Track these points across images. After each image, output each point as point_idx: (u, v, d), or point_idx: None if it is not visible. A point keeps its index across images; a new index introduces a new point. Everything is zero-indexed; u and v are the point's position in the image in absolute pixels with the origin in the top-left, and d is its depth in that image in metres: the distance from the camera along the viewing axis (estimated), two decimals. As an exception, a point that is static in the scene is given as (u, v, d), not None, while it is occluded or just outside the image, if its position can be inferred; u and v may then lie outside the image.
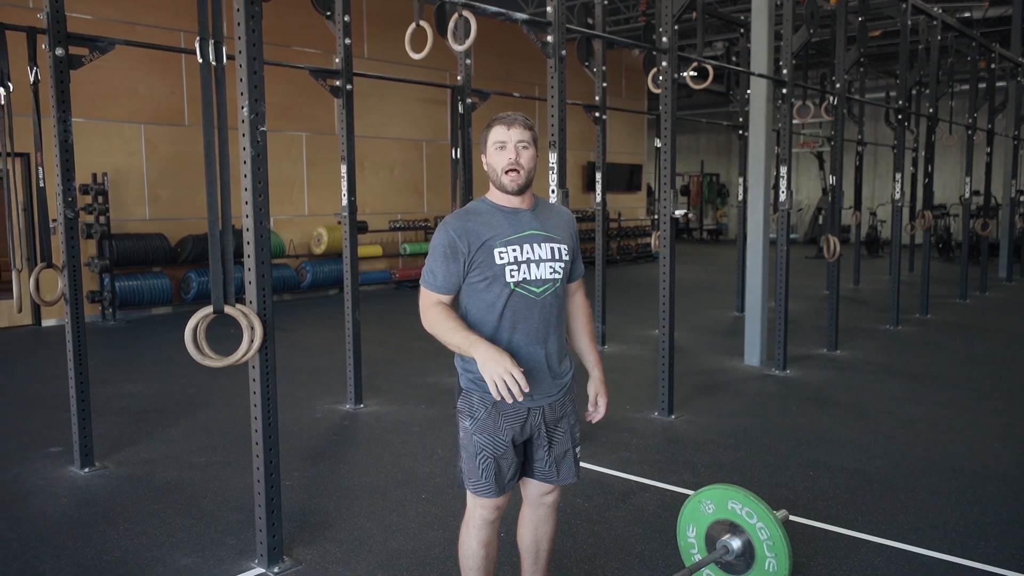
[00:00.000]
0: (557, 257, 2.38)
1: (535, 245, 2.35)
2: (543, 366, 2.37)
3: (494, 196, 2.40)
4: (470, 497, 2.46)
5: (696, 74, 7.76)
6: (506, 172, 2.31)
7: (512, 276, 2.31)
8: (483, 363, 2.14)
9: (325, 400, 5.74)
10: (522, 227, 2.35)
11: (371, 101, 11.66)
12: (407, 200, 12.68)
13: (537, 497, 2.54)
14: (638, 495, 3.94)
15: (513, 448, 2.39)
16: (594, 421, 2.55)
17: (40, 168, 4.27)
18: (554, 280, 2.37)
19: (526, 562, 2.64)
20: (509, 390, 2.11)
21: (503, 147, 2.32)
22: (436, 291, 2.35)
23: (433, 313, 2.31)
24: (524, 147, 2.33)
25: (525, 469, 2.49)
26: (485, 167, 2.38)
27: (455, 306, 2.40)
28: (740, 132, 9.81)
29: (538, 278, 2.34)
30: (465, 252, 2.30)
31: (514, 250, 2.32)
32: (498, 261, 2.30)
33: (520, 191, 2.34)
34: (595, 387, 2.55)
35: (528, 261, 2.33)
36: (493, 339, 2.34)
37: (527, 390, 2.13)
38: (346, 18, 5.25)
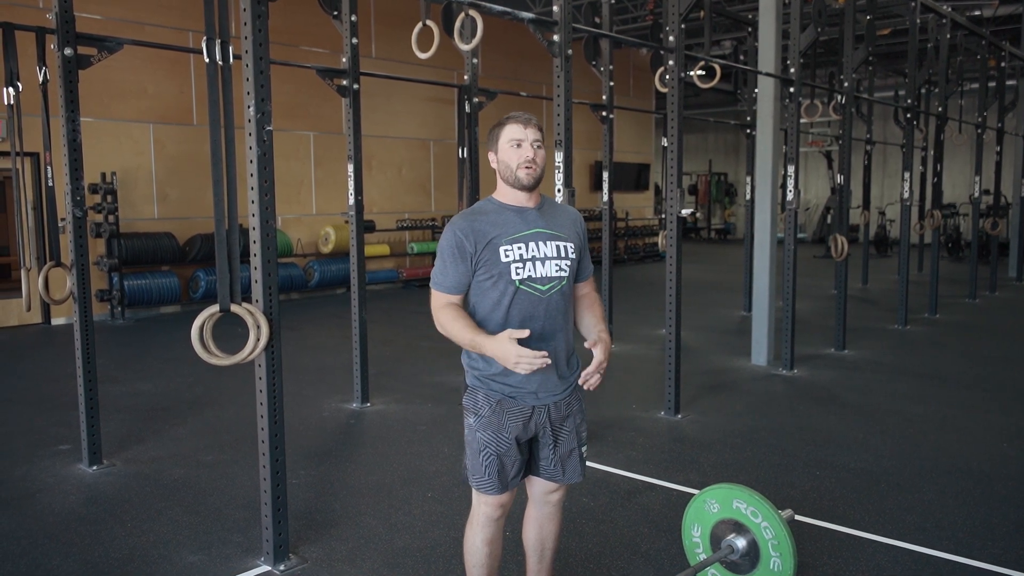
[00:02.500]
0: (563, 255, 2.38)
1: (541, 243, 2.35)
2: (549, 364, 2.37)
3: (501, 195, 2.41)
4: (475, 494, 2.47)
5: (703, 73, 7.74)
6: (521, 167, 2.33)
7: (517, 274, 2.32)
8: (498, 357, 2.21)
9: (332, 399, 5.75)
10: (528, 225, 2.36)
11: (378, 100, 11.68)
12: (414, 199, 12.70)
13: (542, 496, 2.54)
14: (644, 494, 3.94)
15: (517, 446, 2.39)
16: (590, 383, 2.32)
17: (49, 167, 4.30)
18: (560, 278, 2.37)
19: (531, 560, 2.64)
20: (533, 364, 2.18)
21: (519, 144, 2.34)
22: (446, 291, 2.37)
23: (444, 315, 2.33)
24: (539, 147, 2.36)
25: (531, 467, 2.50)
26: (493, 164, 2.38)
27: (464, 305, 2.41)
28: (748, 131, 9.79)
29: (544, 276, 2.35)
30: (472, 251, 2.32)
31: (519, 248, 2.33)
32: (503, 259, 2.31)
33: (533, 186, 2.36)
34: (593, 339, 2.37)
35: (533, 259, 2.34)
36: None
37: (546, 361, 2.18)
38: (353, 18, 5.26)
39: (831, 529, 3.50)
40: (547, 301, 2.36)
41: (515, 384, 2.36)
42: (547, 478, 2.49)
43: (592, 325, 2.53)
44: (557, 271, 2.37)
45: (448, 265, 2.35)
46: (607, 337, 2.45)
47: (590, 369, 2.32)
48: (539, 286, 2.35)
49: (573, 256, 2.41)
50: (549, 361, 2.19)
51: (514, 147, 2.34)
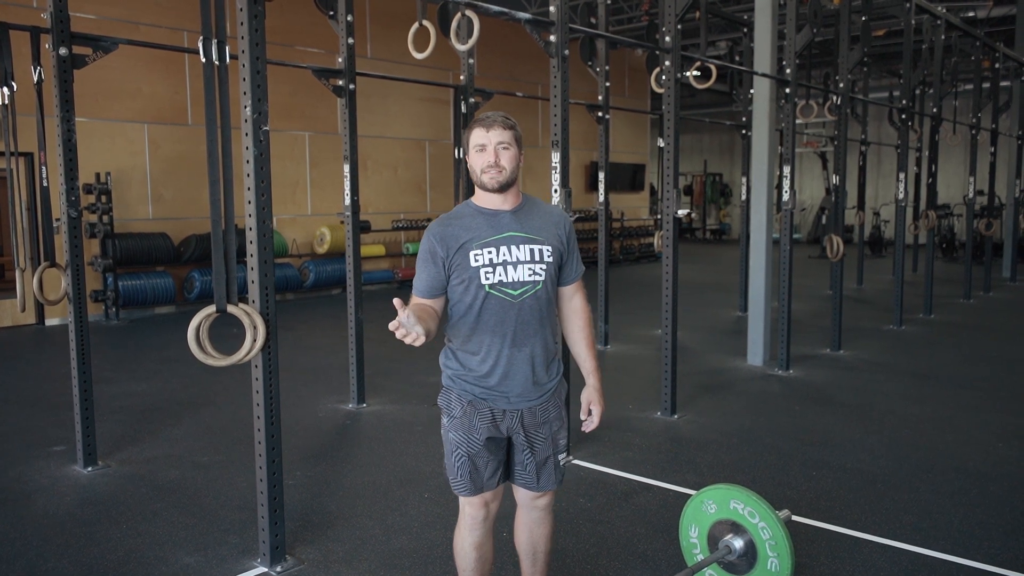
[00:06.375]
0: (538, 259, 2.34)
1: (513, 247, 2.32)
2: (522, 370, 2.34)
3: (478, 198, 2.38)
4: (460, 497, 2.46)
5: (699, 74, 7.76)
6: (484, 171, 2.30)
7: (487, 278, 2.29)
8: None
9: (328, 399, 5.74)
10: (501, 229, 2.33)
11: (374, 101, 11.67)
12: (410, 200, 12.69)
13: (528, 501, 2.51)
14: (641, 495, 3.94)
15: (489, 448, 2.37)
16: (586, 431, 2.47)
17: (44, 167, 4.28)
18: (534, 282, 2.33)
19: (524, 564, 2.62)
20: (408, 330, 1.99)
21: (483, 149, 2.30)
22: (417, 294, 2.36)
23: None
24: (504, 148, 2.30)
25: (509, 472, 2.47)
26: (468, 168, 2.36)
27: (445, 310, 2.39)
28: (743, 132, 9.79)
29: (515, 280, 2.31)
30: (444, 256, 2.30)
31: (490, 252, 2.30)
32: (473, 263, 2.29)
33: (501, 188, 2.32)
34: (588, 395, 2.45)
35: (504, 263, 2.30)
36: (470, 340, 2.34)
37: (409, 332, 1.98)
38: (349, 18, 5.25)
39: (828, 529, 3.51)
40: (519, 306, 2.32)
41: (486, 386, 2.34)
42: (522, 484, 2.46)
43: (583, 360, 2.49)
44: (530, 275, 2.33)
45: (421, 268, 2.35)
46: (596, 382, 2.45)
47: (590, 427, 2.47)
48: (510, 291, 2.31)
49: (549, 260, 2.36)
50: (404, 333, 1.97)
51: (478, 151, 2.31)
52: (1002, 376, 6.47)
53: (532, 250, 2.33)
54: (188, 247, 9.83)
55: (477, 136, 2.31)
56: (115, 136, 9.41)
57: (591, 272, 9.47)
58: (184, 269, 9.98)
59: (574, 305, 2.50)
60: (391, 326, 1.99)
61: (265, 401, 3.14)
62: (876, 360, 7.03)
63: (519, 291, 2.32)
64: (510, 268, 2.31)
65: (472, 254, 2.29)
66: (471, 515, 2.45)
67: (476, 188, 2.37)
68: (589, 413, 2.47)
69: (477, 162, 2.31)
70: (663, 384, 5.30)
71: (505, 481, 2.48)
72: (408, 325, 1.97)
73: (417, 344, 2.01)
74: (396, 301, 1.98)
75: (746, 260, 8.80)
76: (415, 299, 2.36)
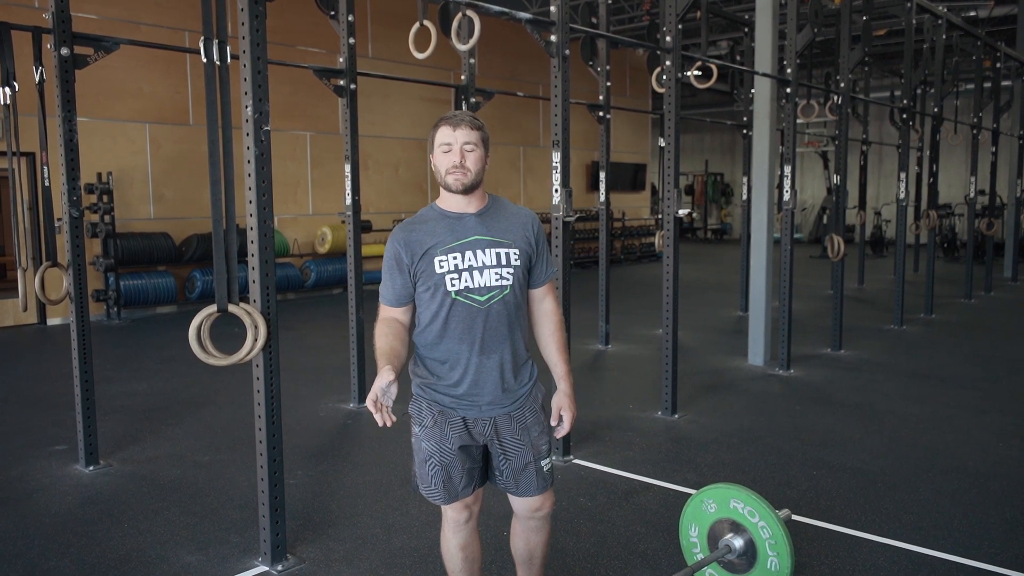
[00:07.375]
0: (504, 263, 2.28)
1: (478, 251, 2.26)
2: (491, 377, 2.30)
3: (443, 201, 2.33)
4: None
5: (700, 73, 7.76)
6: (449, 172, 2.25)
7: (452, 285, 2.24)
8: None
9: (329, 399, 5.75)
10: (465, 233, 2.27)
11: (375, 100, 11.68)
12: (411, 199, 12.69)
13: (525, 512, 2.46)
14: (641, 494, 3.95)
15: (464, 455, 2.34)
16: (558, 437, 2.41)
17: (45, 167, 4.29)
18: (501, 287, 2.28)
19: (520, 571, 2.60)
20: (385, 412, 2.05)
21: (449, 149, 2.24)
22: (387, 304, 2.32)
23: (377, 330, 2.28)
24: (470, 149, 2.24)
25: (489, 476, 2.45)
26: (432, 168, 2.31)
27: (413, 319, 2.36)
28: (744, 131, 9.80)
29: (481, 286, 2.26)
30: (408, 263, 2.26)
31: (455, 257, 2.25)
32: (438, 270, 2.24)
33: (466, 190, 2.26)
34: (559, 401, 2.38)
35: (470, 268, 2.25)
36: (437, 348, 2.31)
37: (387, 423, 2.03)
38: (350, 18, 5.26)
39: (828, 529, 3.51)
40: (486, 312, 2.27)
41: (455, 395, 2.31)
42: (503, 489, 2.43)
43: (554, 364, 2.43)
44: (497, 280, 2.27)
45: (387, 277, 2.30)
46: (567, 387, 2.38)
47: (561, 434, 2.40)
48: (477, 297, 2.26)
49: (517, 263, 2.30)
50: (379, 419, 2.03)
51: (444, 151, 2.24)
52: (1002, 376, 6.47)
53: (498, 254, 2.28)
54: (189, 247, 9.84)
55: (443, 134, 2.25)
56: (116, 136, 9.42)
57: (592, 272, 9.46)
58: (185, 269, 9.99)
59: (545, 308, 2.44)
60: (368, 401, 2.02)
61: (266, 400, 3.14)
62: (877, 360, 7.03)
63: (486, 296, 2.26)
64: (476, 273, 2.25)
65: (437, 260, 2.24)
66: (453, 519, 2.43)
67: (440, 190, 2.32)
68: (560, 420, 2.39)
69: (442, 162, 2.25)
70: (664, 384, 5.30)
71: (483, 485, 2.45)
72: (387, 396, 2.01)
73: (388, 424, 2.04)
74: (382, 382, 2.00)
75: (747, 260, 8.80)
76: (384, 309, 2.32)
